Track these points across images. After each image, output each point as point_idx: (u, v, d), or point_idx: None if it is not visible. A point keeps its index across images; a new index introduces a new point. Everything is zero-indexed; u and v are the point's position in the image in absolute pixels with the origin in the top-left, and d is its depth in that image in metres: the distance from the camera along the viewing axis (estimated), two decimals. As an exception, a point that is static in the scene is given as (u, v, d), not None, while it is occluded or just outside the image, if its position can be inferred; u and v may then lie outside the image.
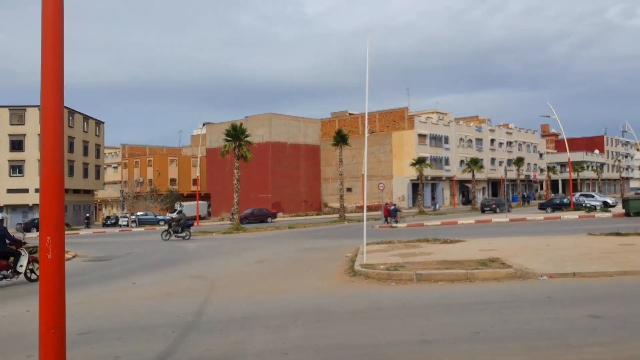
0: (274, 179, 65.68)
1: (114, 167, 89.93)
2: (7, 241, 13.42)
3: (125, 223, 54.37)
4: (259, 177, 64.01)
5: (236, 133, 39.01)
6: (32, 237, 40.83)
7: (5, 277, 13.31)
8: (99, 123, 71.43)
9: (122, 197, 60.77)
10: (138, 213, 57.09)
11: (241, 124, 41.24)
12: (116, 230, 48.54)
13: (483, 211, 49.26)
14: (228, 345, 6.86)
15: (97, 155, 70.98)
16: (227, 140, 39.68)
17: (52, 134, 4.19)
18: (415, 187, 61.71)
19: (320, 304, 9.49)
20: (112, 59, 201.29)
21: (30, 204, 60.21)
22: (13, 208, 60.81)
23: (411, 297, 9.77)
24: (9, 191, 60.19)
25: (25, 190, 60.20)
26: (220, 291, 11.39)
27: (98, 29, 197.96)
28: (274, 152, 65.90)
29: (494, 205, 49.49)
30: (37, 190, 58.98)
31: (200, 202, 59.31)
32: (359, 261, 14.06)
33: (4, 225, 14.32)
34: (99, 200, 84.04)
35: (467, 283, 10.91)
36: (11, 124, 60.95)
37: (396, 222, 36.60)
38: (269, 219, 51.72)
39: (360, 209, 59.58)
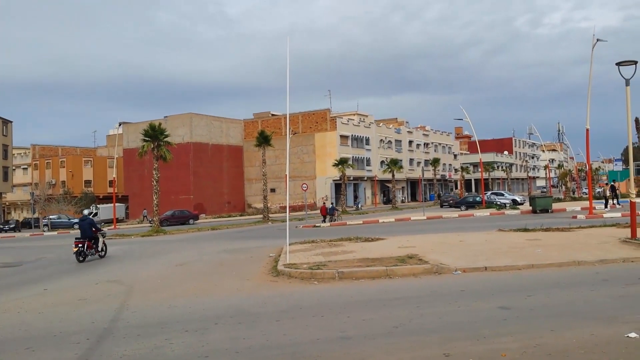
0: (195, 180, 64.28)
1: (24, 169, 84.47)
2: (93, 229, 19.06)
3: (45, 223, 51.48)
4: (180, 178, 62.42)
5: (155, 133, 37.78)
6: None
7: (91, 254, 19.21)
8: (6, 122, 66.91)
9: (33, 200, 57.25)
10: (50, 217, 54.03)
11: (160, 124, 39.96)
12: (26, 234, 45.66)
13: (442, 206, 54.02)
14: (146, 350, 6.63)
15: (5, 156, 66.43)
16: (145, 140, 38.33)
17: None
18: (338, 187, 62.50)
19: (242, 305, 9.38)
20: (22, 56, 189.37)
21: None
22: None
23: (333, 295, 9.87)
24: None
25: None
26: (138, 296, 10.99)
27: (5, 24, 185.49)
28: (195, 152, 64.51)
29: (451, 201, 53.19)
30: None
31: (117, 204, 57.01)
32: (282, 261, 14.05)
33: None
34: (7, 204, 78.71)
35: (387, 279, 11.18)
36: None
37: (334, 220, 37.22)
38: (191, 221, 50.51)
39: (284, 209, 59.58)
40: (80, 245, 18.57)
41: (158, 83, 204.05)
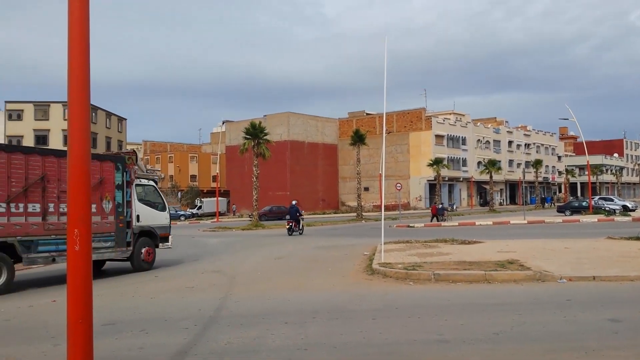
0: (292, 177, 65.79)
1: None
2: (298, 214, 28.18)
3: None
4: (277, 175, 64.13)
5: (255, 131, 39.14)
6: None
7: (295, 232, 27.81)
8: (121, 119, 72.18)
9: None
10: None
11: (260, 123, 41.39)
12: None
13: (560, 211, 44.12)
14: (248, 339, 6.90)
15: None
16: (246, 138, 39.83)
17: (79, 130, 4.25)
18: (432, 187, 61.34)
19: (337, 301, 9.49)
20: (133, 58, 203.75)
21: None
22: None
23: (429, 296, 9.72)
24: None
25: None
26: (240, 286, 11.47)
27: (118, 28, 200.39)
28: (292, 150, 66.01)
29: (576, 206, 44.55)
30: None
31: (220, 198, 59.68)
32: (377, 260, 14.02)
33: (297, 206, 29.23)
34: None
35: (485, 284, 10.82)
36: (36, 119, 61.95)
37: (444, 220, 37.22)
38: (287, 217, 51.76)
39: (377, 208, 59.43)
40: (290, 224, 28.00)
41: (257, 83, 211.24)
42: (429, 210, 39.77)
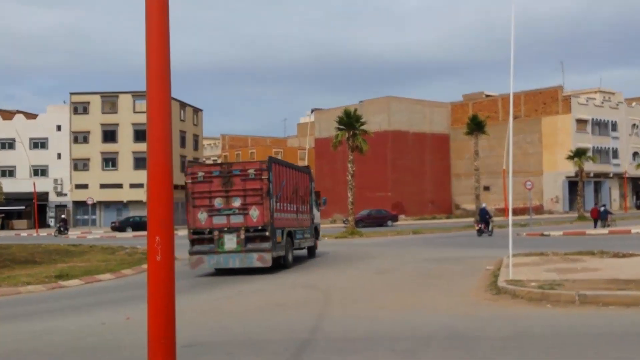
0: (394, 175, 65.60)
1: (214, 160, 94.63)
2: (487, 216, 33.56)
3: None
4: (377, 172, 64.19)
5: (350, 120, 39.45)
6: (125, 237, 44.29)
7: (485, 233, 32.51)
8: (196, 111, 75.30)
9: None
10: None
11: (355, 110, 41.66)
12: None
13: None
14: (349, 369, 6.98)
15: (196, 147, 74.92)
16: (339, 129, 40.28)
17: (160, 124, 4.46)
18: (573, 186, 58.70)
19: (456, 326, 9.35)
20: (208, 39, 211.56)
21: (125, 201, 64.96)
22: (106, 205, 65.85)
23: (573, 323, 9.33)
24: (102, 186, 65.05)
25: (119, 186, 64.98)
26: (336, 305, 11.63)
27: (191, 6, 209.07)
28: (394, 142, 65.81)
29: None
30: (131, 186, 63.79)
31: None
32: (504, 276, 13.67)
33: None
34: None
35: (648, 309, 10.21)
36: (103, 112, 65.91)
37: (607, 226, 36.03)
38: (389, 222, 51.89)
39: (500, 212, 57.87)
40: (480, 226, 32.91)
41: (354, 63, 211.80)
42: (568, 214, 38.20)
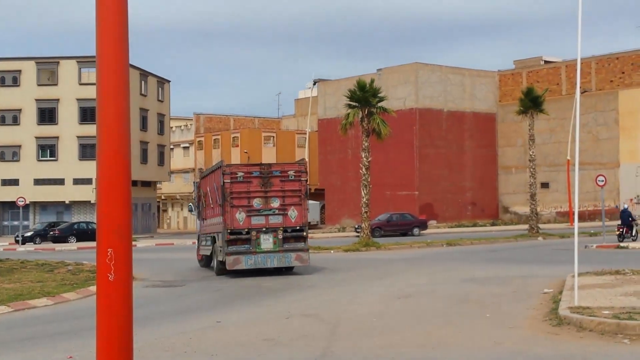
0: (422, 167, 65.51)
1: (184, 148, 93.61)
2: (630, 218, 36.08)
3: None
4: (400, 164, 64.13)
5: (365, 95, 39.33)
6: (68, 249, 44.33)
7: (627, 238, 35.01)
8: (162, 82, 75.02)
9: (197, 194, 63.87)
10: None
11: (373, 81, 41.53)
12: (188, 242, 50.96)
13: None
14: None
15: (161, 130, 74.41)
16: (350, 106, 40.21)
17: (114, 99, 4.49)
18: (660, 182, 58.72)
19: (504, 367, 9.39)
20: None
21: (67, 201, 64.79)
22: (42, 206, 65.64)
23: (658, 364, 9.35)
24: (37, 182, 64.51)
25: (60, 182, 64.65)
26: (345, 340, 11.66)
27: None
28: (423, 124, 65.71)
29: None
30: (76, 182, 63.50)
31: (310, 201, 60.74)
32: (567, 302, 13.71)
33: None
34: (163, 197, 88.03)
35: None
36: (39, 84, 65.43)
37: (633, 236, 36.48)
38: (416, 230, 51.82)
39: (563, 216, 57.76)
40: (622, 229, 35.37)
41: (367, 18, 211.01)
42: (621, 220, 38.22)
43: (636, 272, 18.88)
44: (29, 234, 55.30)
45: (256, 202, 22.29)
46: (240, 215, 22.06)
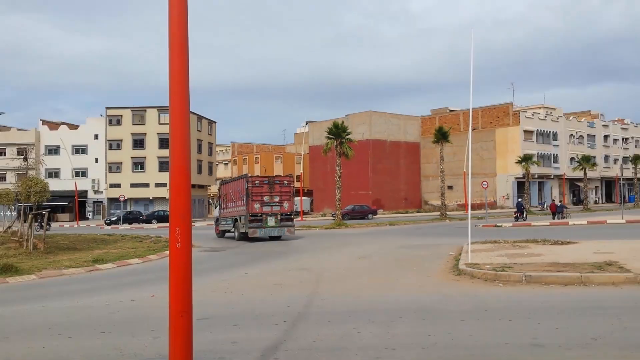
0: (374, 176, 65.51)
1: (225, 164, 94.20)
2: (522, 207, 36.76)
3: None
4: (360, 174, 64.09)
5: (338, 131, 39.37)
6: (151, 228, 44.05)
7: (520, 219, 35.08)
8: (211, 122, 75.15)
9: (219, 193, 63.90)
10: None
11: (342, 122, 41.57)
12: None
13: None
14: (336, 336, 6.99)
15: (210, 153, 74.75)
16: (329, 138, 40.17)
17: (180, 134, 4.46)
18: (521, 185, 58.86)
19: (425, 301, 9.38)
20: (223, 61, 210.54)
21: (151, 197, 64.81)
22: (135, 201, 65.75)
23: (520, 299, 9.36)
24: (132, 185, 65.15)
25: (146, 185, 64.98)
26: (326, 284, 11.61)
27: (208, 32, 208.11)
28: (374, 149, 65.70)
29: None
30: (157, 185, 63.79)
31: (303, 197, 60.62)
32: (464, 260, 13.70)
33: None
34: (211, 195, 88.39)
35: (582, 287, 10.26)
36: (133, 124, 65.94)
37: (563, 217, 37.30)
38: (370, 216, 51.73)
39: (461, 207, 57.92)
40: (516, 214, 35.33)
41: (341, 82, 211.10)
42: (516, 209, 38.66)
43: (506, 241, 18.90)
44: (114, 218, 54.75)
45: (266, 198, 24.37)
46: (257, 206, 24.23)
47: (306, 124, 75.00)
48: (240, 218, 25.14)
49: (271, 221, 24.57)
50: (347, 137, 39.78)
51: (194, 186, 69.21)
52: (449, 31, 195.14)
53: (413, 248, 19.41)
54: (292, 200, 25.41)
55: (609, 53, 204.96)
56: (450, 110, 71.90)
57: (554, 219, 37.35)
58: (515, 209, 39.46)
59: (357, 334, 7.08)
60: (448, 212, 48.11)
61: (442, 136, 45.57)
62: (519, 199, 44.53)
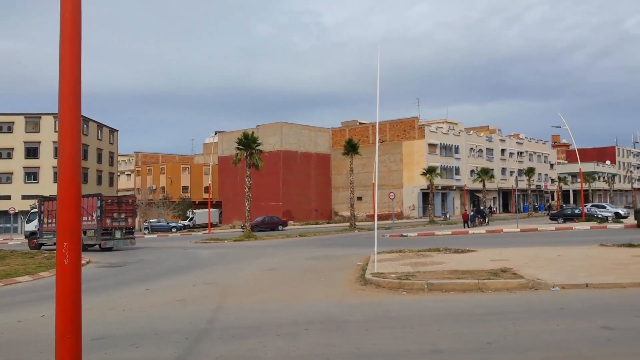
0: (284, 188, 65.67)
1: (127, 175, 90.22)
2: (483, 213, 41.57)
3: (145, 227, 54.98)
4: (270, 185, 63.99)
5: (248, 142, 39.10)
6: (47, 243, 41.08)
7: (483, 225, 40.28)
8: (112, 131, 71.96)
9: (135, 205, 61.08)
10: (151, 220, 57.35)
11: (253, 133, 41.33)
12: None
13: (554, 219, 43.55)
14: (240, 352, 6.86)
15: (111, 163, 71.40)
16: (238, 148, 39.78)
17: (70, 142, 4.21)
18: (426, 196, 61.42)
19: (331, 312, 9.46)
20: (129, 68, 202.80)
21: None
22: (26, 214, 61.11)
23: (422, 306, 9.71)
24: (24, 197, 60.25)
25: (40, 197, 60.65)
26: (232, 298, 11.40)
27: (112, 37, 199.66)
28: (285, 160, 65.94)
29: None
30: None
31: (212, 209, 59.49)
32: (370, 270, 14.00)
33: None
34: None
35: (479, 293, 10.83)
36: (26, 132, 61.42)
37: (475, 226, 40.10)
38: (280, 227, 51.70)
39: (370, 217, 59.36)
40: (480, 220, 38.07)
41: (253, 93, 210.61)
42: (421, 219, 40.67)
43: (411, 251, 19.58)
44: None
45: (115, 215, 28.07)
46: (108, 221, 27.73)
47: (215, 134, 73.93)
48: (87, 232, 27.76)
49: (118, 234, 28.17)
50: (257, 147, 39.59)
51: (93, 197, 65.67)
52: (361, 46, 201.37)
53: (322, 259, 19.58)
54: (134, 217, 31.28)
55: (508, 71, 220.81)
56: (360, 123, 73.80)
57: (464, 227, 39.47)
58: (479, 215, 42.62)
59: (262, 348, 7.00)
60: (357, 223, 49.09)
61: (351, 148, 46.57)
62: (480, 207, 47.39)
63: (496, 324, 7.95)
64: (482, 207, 48.08)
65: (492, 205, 48.66)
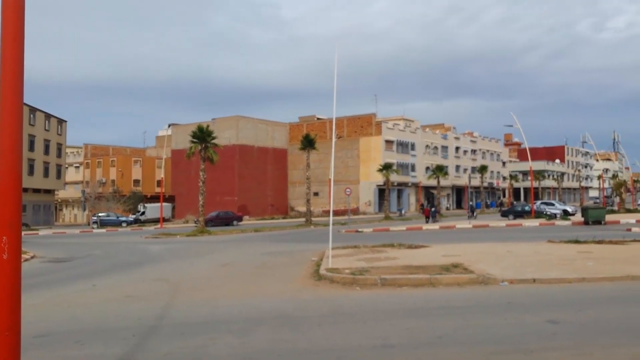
0: (240, 182, 65.09)
1: (76, 167, 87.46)
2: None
3: (94, 221, 53.46)
4: (225, 179, 63.32)
5: (202, 135, 38.55)
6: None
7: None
8: (60, 122, 69.60)
9: (84, 198, 59.33)
10: (100, 214, 55.86)
11: (208, 126, 40.73)
12: (76, 231, 47.34)
13: (504, 215, 45.47)
14: (190, 349, 6.77)
15: (59, 155, 69.07)
16: (193, 142, 39.17)
17: (9, 131, 4.06)
18: (382, 192, 62.20)
19: (284, 308, 9.46)
20: (79, 57, 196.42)
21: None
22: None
23: (375, 301, 9.83)
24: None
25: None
26: (182, 294, 11.24)
27: (61, 25, 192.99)
28: (241, 155, 65.34)
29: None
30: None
31: (164, 204, 58.43)
32: (325, 265, 14.07)
33: None
34: (59, 200, 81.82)
35: (431, 288, 11.05)
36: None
37: (436, 221, 41.20)
38: (235, 222, 51.21)
39: (326, 213, 59.65)
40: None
41: (209, 85, 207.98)
42: (377, 215, 41.46)
43: (366, 246, 19.75)
44: None
45: None
46: None
47: (169, 126, 72.56)
48: None
49: None
50: (212, 141, 39.08)
51: (38, 191, 63.52)
52: (320, 41, 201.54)
53: (277, 254, 19.52)
54: None
55: (464, 70, 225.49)
56: (318, 119, 73.96)
57: (427, 222, 40.88)
58: (468, 209, 43.76)
59: (213, 344, 6.93)
60: (314, 218, 49.22)
61: (308, 143, 46.61)
62: (470, 202, 48.16)
63: (447, 318, 8.13)
64: (432, 204, 49.54)
65: (439, 203, 50.49)
